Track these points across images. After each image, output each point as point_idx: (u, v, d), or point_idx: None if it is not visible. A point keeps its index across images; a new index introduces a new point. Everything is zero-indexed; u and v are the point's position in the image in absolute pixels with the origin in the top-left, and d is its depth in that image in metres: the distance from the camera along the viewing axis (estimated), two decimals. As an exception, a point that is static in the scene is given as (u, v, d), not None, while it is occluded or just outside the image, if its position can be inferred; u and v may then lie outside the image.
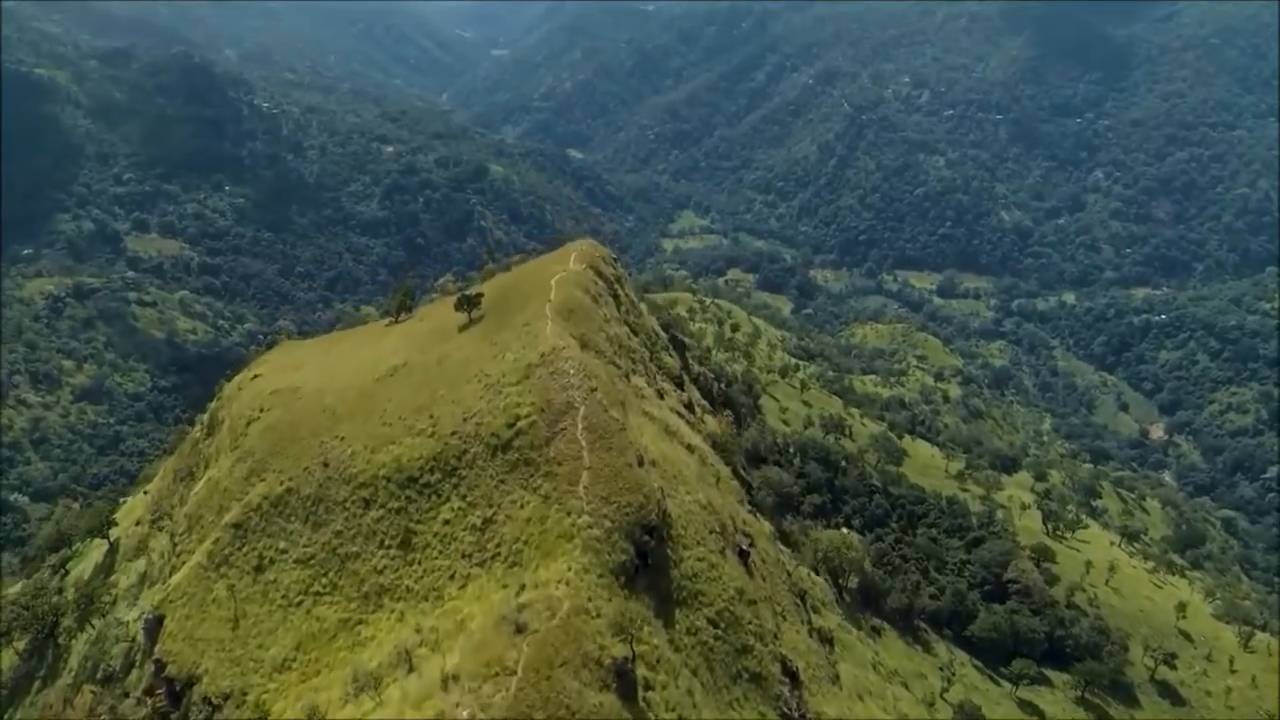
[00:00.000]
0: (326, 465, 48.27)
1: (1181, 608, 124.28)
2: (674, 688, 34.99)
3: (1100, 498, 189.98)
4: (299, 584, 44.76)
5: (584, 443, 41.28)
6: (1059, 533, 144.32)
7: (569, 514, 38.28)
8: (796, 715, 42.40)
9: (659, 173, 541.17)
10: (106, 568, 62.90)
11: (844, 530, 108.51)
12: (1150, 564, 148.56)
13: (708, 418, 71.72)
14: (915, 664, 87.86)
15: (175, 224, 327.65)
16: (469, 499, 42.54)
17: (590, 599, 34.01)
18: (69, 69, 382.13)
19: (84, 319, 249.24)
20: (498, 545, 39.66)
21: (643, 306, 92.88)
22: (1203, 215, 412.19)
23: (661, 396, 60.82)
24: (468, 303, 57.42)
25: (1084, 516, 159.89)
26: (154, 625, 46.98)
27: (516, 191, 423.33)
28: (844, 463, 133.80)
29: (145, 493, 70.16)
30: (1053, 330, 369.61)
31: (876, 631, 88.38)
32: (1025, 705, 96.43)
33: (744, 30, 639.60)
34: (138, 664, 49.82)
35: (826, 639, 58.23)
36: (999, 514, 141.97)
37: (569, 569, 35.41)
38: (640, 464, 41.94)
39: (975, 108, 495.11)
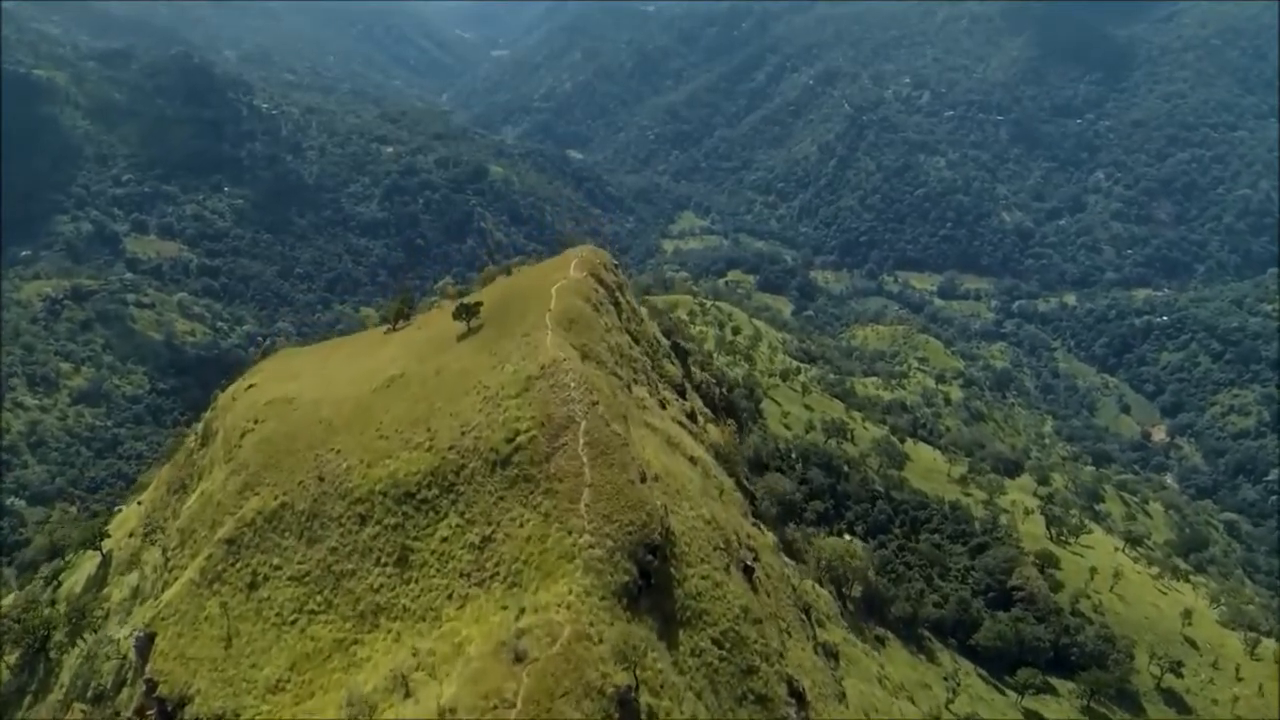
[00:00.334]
0: (322, 479, 47.22)
1: (1187, 614, 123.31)
2: (678, 713, 33.97)
3: (1103, 501, 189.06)
4: (293, 602, 43.71)
5: (585, 459, 40.23)
6: (1063, 538, 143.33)
7: (570, 533, 37.24)
8: (803, 737, 41.40)
9: (659, 173, 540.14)
10: (99, 580, 61.84)
11: (847, 538, 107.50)
12: (1155, 569, 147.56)
13: (710, 427, 70.69)
14: (920, 674, 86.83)
15: (174, 225, 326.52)
16: (467, 516, 41.49)
17: (592, 623, 32.99)
18: (68, 70, 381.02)
19: (82, 321, 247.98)
20: (496, 564, 38.61)
21: (643, 310, 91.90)
22: (1204, 216, 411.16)
23: (664, 406, 59.78)
24: (466, 311, 56.36)
25: (1087, 521, 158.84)
26: (145, 643, 45.94)
27: (516, 192, 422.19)
28: (846, 467, 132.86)
29: (139, 503, 69.07)
30: (1054, 332, 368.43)
31: (880, 641, 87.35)
32: (1031, 715, 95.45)
33: (744, 31, 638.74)
34: (129, 682, 48.78)
35: (832, 653, 57.23)
36: (1002, 519, 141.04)
37: (570, 591, 34.38)
38: (643, 480, 40.89)
39: (976, 108, 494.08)
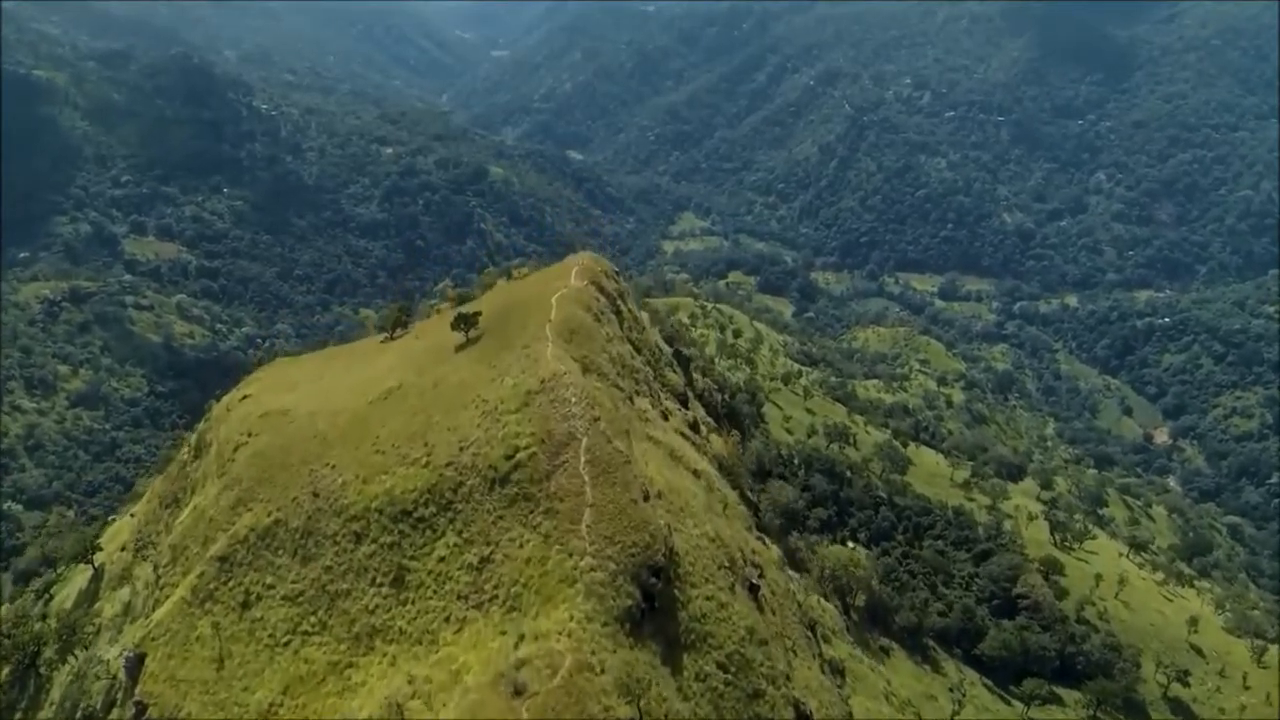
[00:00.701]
0: (316, 495, 46.09)
1: (1193, 622, 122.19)
2: (683, 743, 32.85)
3: (1107, 506, 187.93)
4: (286, 622, 42.59)
5: (586, 477, 39.11)
6: (1067, 544, 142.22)
7: (571, 555, 36.11)
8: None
9: (659, 174, 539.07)
10: (90, 595, 60.72)
11: (850, 545, 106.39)
12: (1159, 575, 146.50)
13: (713, 437, 69.60)
14: (925, 686, 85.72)
15: (173, 227, 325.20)
16: (465, 535, 40.37)
17: (594, 652, 31.88)
18: (67, 70, 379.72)
19: (80, 323, 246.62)
20: (495, 587, 37.48)
21: (644, 315, 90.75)
22: (1205, 217, 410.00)
23: (666, 418, 58.67)
24: (465, 321, 55.23)
25: (1091, 526, 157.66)
26: (135, 664, 44.83)
27: (516, 193, 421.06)
28: (849, 473, 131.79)
29: (131, 515, 67.93)
30: (1055, 333, 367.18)
31: (885, 652, 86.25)
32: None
33: (745, 31, 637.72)
34: (119, 703, 47.61)
35: (838, 670, 56.13)
36: (1006, 525, 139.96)
37: (571, 618, 33.26)
38: (645, 499, 39.77)
39: (977, 109, 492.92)
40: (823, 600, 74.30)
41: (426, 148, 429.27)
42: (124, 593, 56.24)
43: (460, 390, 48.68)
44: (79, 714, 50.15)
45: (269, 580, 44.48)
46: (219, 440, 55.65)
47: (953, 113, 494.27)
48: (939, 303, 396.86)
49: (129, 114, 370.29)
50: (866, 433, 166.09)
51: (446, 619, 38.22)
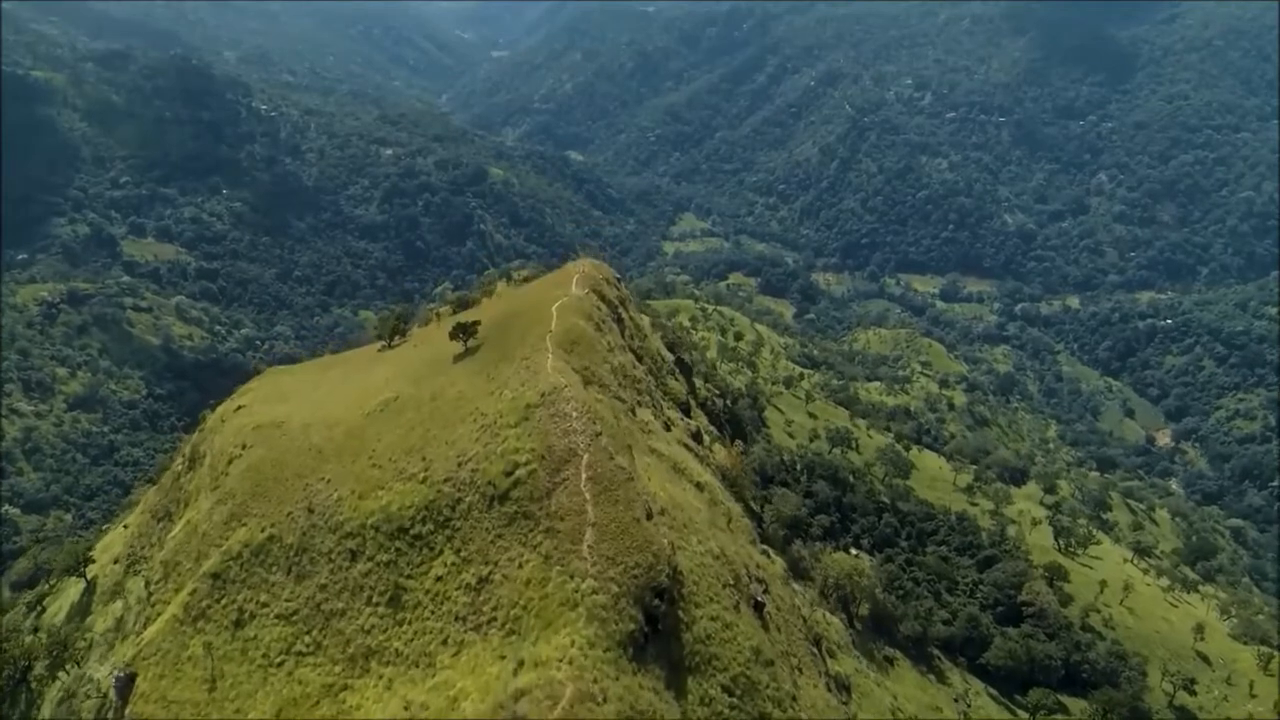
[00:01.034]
0: (311, 511, 45.01)
1: (1199, 629, 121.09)
2: (687, 772, 31.79)
3: (1110, 510, 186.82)
4: (280, 642, 41.50)
5: (588, 495, 37.99)
6: (1071, 549, 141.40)
7: (572, 577, 34.99)
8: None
9: (660, 175, 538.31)
10: (82, 609, 59.66)
11: (854, 552, 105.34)
12: (1164, 581, 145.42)
13: (717, 446, 68.54)
14: (930, 696, 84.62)
15: (172, 228, 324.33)
16: (463, 554, 39.27)
17: (596, 680, 30.77)
18: (65, 71, 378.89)
19: (78, 325, 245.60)
20: (494, 609, 36.38)
21: (645, 319, 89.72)
22: (1207, 219, 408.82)
23: (669, 428, 57.63)
24: (463, 331, 54.16)
25: (1095, 531, 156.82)
26: (125, 684, 43.74)
27: (516, 195, 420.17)
28: (851, 478, 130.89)
29: (125, 527, 66.86)
30: (1057, 335, 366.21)
31: (890, 662, 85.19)
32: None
33: (745, 32, 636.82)
34: (109, 723, 46.62)
35: (844, 686, 55.10)
36: (1010, 530, 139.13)
37: (572, 643, 32.15)
38: (648, 517, 38.69)
39: (978, 110, 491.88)
40: (828, 615, 73.12)
41: (426, 149, 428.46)
42: (116, 607, 55.19)
43: (458, 403, 47.60)
44: (69, 734, 49.19)
45: (263, 598, 43.40)
46: (212, 452, 54.60)
47: (954, 113, 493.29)
48: (940, 304, 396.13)
49: (128, 115, 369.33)
50: (869, 436, 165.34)
51: (444, 641, 37.14)
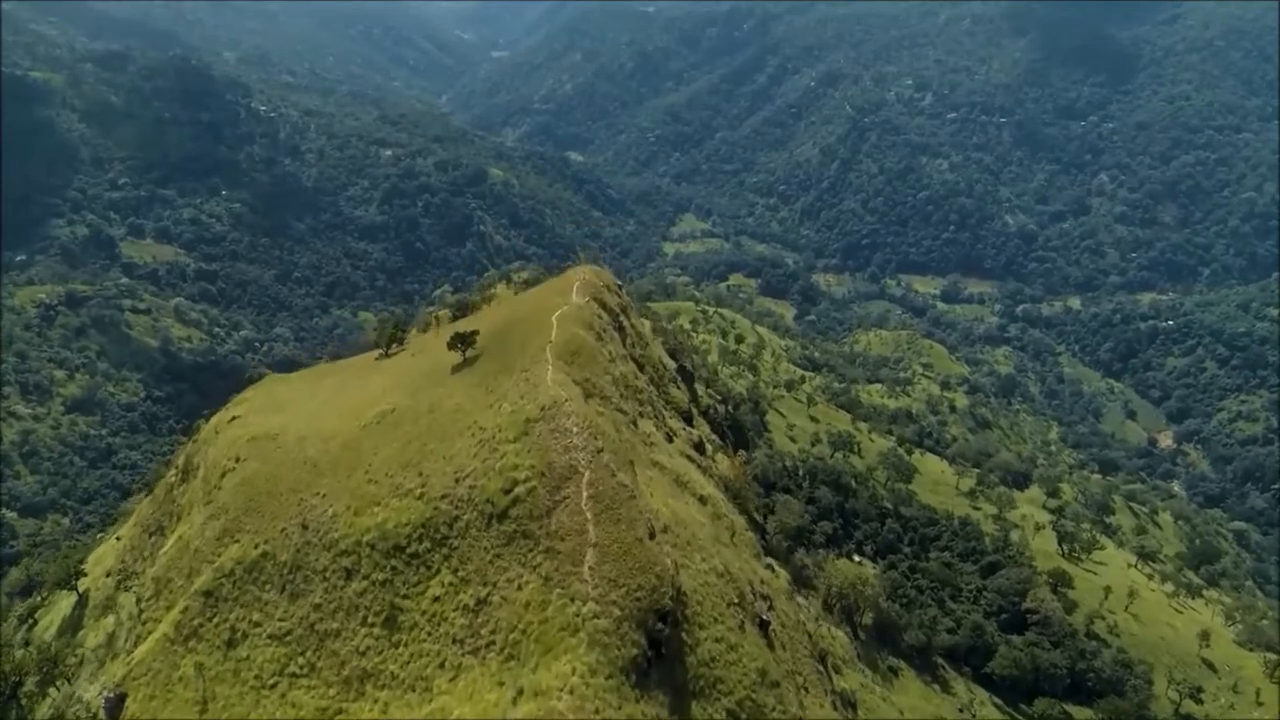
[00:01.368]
0: (306, 527, 43.98)
1: (1205, 636, 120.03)
2: (692, 804, 30.76)
3: (1113, 514, 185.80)
4: (273, 663, 40.46)
5: (589, 515, 36.94)
6: (1075, 554, 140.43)
7: (573, 600, 33.94)
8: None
9: (660, 176, 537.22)
10: (74, 623, 58.62)
11: (857, 559, 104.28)
12: (1169, 586, 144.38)
13: (720, 456, 67.49)
14: (934, 707, 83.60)
15: (171, 229, 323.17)
16: (461, 574, 38.23)
17: (598, 710, 29.77)
18: (64, 72, 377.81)
19: (76, 327, 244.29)
20: (492, 632, 35.34)
21: (645, 323, 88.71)
22: (1209, 219, 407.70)
23: (671, 439, 56.59)
24: (462, 341, 53.10)
25: (1099, 536, 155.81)
26: (115, 705, 42.72)
27: (516, 196, 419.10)
28: (854, 483, 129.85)
29: (118, 539, 65.79)
30: (1058, 336, 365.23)
31: (894, 672, 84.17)
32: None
33: (745, 32, 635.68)
34: (99, 744, 45.52)
35: (850, 702, 54.09)
36: (1013, 535, 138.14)
37: (573, 671, 31.12)
38: (651, 536, 37.65)
39: (978, 110, 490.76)
40: (833, 630, 72.07)
41: (426, 149, 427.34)
42: (108, 622, 54.16)
43: (456, 416, 46.55)
44: (58, 754, 48.17)
45: (255, 617, 42.35)
46: (206, 464, 53.55)
47: (954, 114, 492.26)
48: (941, 305, 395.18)
49: (127, 116, 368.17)
50: (870, 440, 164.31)
51: (441, 665, 36.11)
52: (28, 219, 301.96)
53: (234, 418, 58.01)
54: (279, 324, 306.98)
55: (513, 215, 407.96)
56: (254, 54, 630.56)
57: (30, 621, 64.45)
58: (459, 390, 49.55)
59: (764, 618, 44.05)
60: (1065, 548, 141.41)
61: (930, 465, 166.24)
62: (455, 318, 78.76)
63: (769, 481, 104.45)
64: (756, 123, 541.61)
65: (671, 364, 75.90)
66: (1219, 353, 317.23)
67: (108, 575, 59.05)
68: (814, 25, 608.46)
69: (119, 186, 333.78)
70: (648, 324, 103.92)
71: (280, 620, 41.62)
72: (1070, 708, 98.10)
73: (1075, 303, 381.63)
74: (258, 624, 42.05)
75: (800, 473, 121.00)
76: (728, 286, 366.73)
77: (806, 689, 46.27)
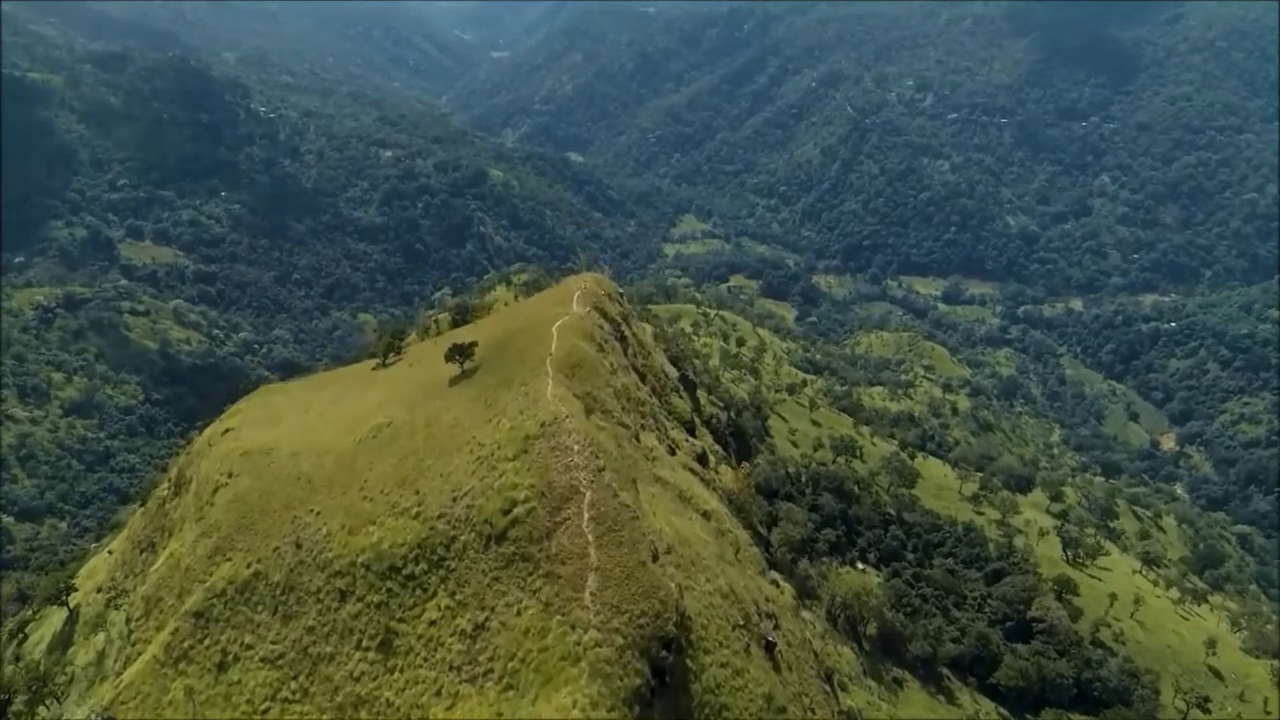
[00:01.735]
0: (299, 546, 42.84)
1: (1211, 644, 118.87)
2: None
3: (1117, 518, 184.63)
4: (265, 688, 39.34)
5: (590, 537, 35.82)
6: (1079, 560, 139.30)
7: (573, 628, 32.82)
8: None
9: (660, 177, 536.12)
10: (64, 639, 57.48)
11: (861, 567, 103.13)
12: (1174, 592, 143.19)
13: (723, 468, 66.35)
14: (940, 718, 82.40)
15: (170, 231, 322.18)
16: (458, 597, 37.09)
17: (599, 745, 28.65)
18: (64, 73, 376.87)
19: (74, 330, 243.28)
20: (490, 659, 34.21)
21: (647, 328, 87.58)
22: (1210, 220, 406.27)
23: (674, 451, 55.45)
24: (460, 352, 51.94)
25: (1103, 541, 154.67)
26: (103, 729, 41.59)
27: (516, 197, 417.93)
28: (856, 489, 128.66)
29: (109, 552, 64.64)
30: (1060, 338, 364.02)
31: (898, 684, 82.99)
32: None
33: (746, 33, 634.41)
34: (88, 768, 44.42)
35: (856, 721, 53.00)
36: (1017, 541, 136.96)
37: (574, 703, 30.05)
38: (655, 558, 36.51)
39: (980, 111, 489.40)
40: (840, 648, 70.91)
41: (426, 150, 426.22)
42: (98, 640, 53.03)
43: (454, 431, 45.41)
44: (46, 778, 47.04)
45: (247, 639, 41.23)
46: (198, 479, 52.40)
47: (955, 115, 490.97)
48: (942, 307, 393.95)
49: (126, 117, 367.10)
50: (873, 444, 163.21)
51: (437, 692, 34.99)
52: (26, 220, 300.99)
53: (227, 430, 56.85)
54: (278, 326, 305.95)
55: (513, 216, 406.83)
56: (254, 54, 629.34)
57: (20, 636, 63.37)
58: (457, 404, 48.41)
59: (770, 639, 42.91)
60: (1069, 553, 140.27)
61: (933, 470, 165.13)
62: (455, 321, 77.82)
63: (772, 489, 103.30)
64: (757, 123, 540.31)
65: (674, 372, 74.76)
66: (1221, 355, 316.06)
67: (99, 590, 57.93)
68: (815, 26, 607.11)
69: (118, 188, 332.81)
70: (649, 329, 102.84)
71: (272, 643, 40.50)
72: (1077, 718, 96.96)
73: (1077, 304, 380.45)
74: (249, 647, 40.94)
75: (803, 479, 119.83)
76: (729, 288, 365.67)
77: (814, 710, 45.15)
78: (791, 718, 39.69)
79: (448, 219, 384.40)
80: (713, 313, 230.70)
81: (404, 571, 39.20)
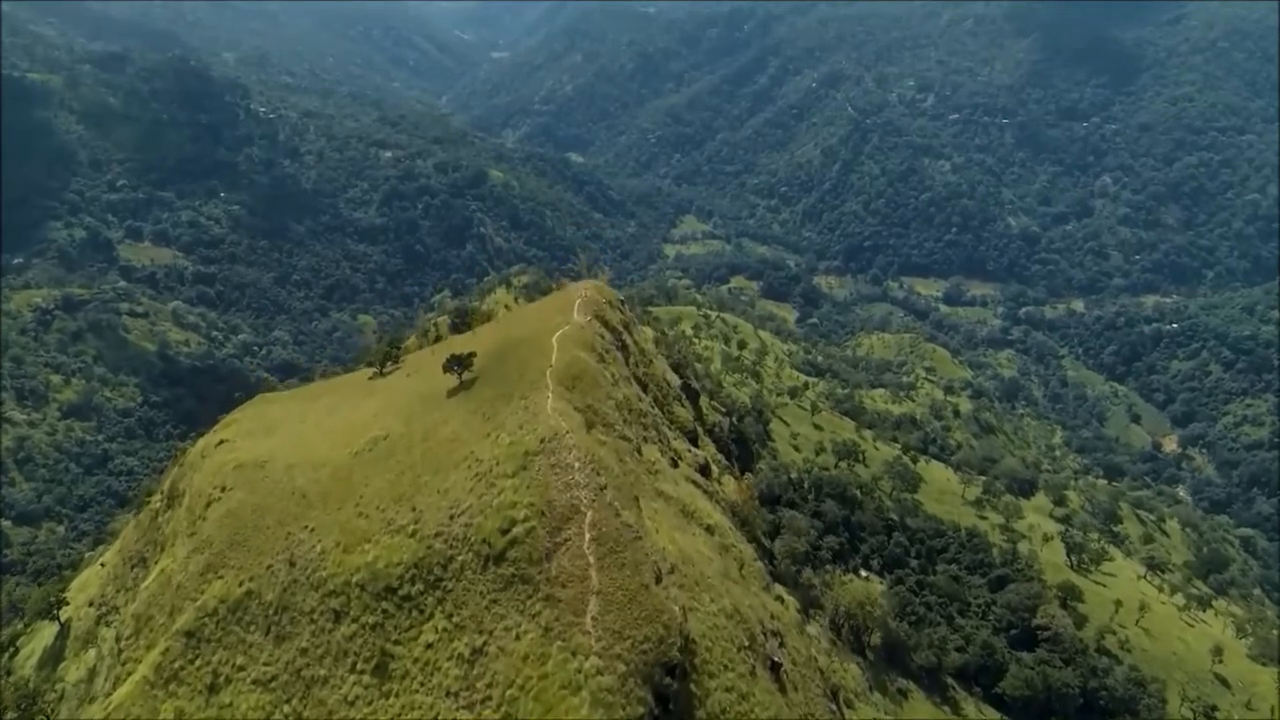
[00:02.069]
0: (293, 564, 41.80)
1: (1217, 651, 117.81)
2: None
3: (1121, 522, 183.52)
4: (257, 711, 38.32)
5: (592, 559, 34.77)
6: (1084, 566, 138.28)
7: (574, 654, 31.78)
8: None
9: (661, 177, 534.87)
10: (55, 654, 56.45)
11: (864, 575, 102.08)
12: (1179, 598, 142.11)
13: (726, 478, 65.32)
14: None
15: (169, 232, 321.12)
16: (455, 620, 36.05)
17: (602, 781, 27.60)
18: (63, 74, 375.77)
19: (73, 332, 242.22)
20: (489, 686, 33.17)
21: (648, 332, 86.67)
22: (1212, 221, 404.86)
23: (676, 463, 54.39)
24: (458, 363, 50.89)
25: (1107, 546, 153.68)
26: (92, 752, 40.57)
27: (516, 197, 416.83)
28: (859, 494, 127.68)
29: (101, 564, 63.60)
30: (1061, 339, 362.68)
31: (903, 695, 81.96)
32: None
33: (746, 33, 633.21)
34: (76, 791, 43.49)
35: (862, 739, 51.98)
36: (1021, 546, 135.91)
37: (575, 735, 28.95)
38: (658, 580, 35.46)
39: (981, 111, 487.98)
40: (846, 666, 69.86)
41: (426, 151, 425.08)
42: (89, 656, 52.01)
43: (452, 445, 44.35)
44: (33, 800, 46.05)
45: (239, 661, 40.20)
46: (191, 492, 51.35)
47: (956, 115, 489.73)
48: (944, 308, 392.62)
49: (125, 118, 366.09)
50: (875, 448, 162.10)
51: (434, 719, 33.92)
52: (25, 221, 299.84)
53: (221, 441, 55.80)
54: (278, 327, 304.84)
55: (513, 217, 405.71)
56: (253, 55, 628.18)
57: (11, 649, 62.36)
58: (455, 417, 47.36)
59: (775, 659, 41.86)
60: (1074, 559, 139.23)
61: (935, 474, 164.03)
62: (455, 325, 76.85)
63: (774, 496, 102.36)
64: (758, 124, 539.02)
65: (675, 380, 73.73)
66: (1223, 356, 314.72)
67: (91, 605, 56.90)
68: (815, 26, 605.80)
69: (117, 189, 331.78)
70: (650, 334, 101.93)
71: (265, 664, 39.48)
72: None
73: (1078, 305, 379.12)
74: (241, 668, 39.92)
75: (806, 485, 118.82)
76: (729, 289, 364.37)
77: (819, 732, 44.11)
78: (798, 742, 38.65)
79: (448, 220, 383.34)
80: (714, 315, 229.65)
81: (400, 592, 38.18)
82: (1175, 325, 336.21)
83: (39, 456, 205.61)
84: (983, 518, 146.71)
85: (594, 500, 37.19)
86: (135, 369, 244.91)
